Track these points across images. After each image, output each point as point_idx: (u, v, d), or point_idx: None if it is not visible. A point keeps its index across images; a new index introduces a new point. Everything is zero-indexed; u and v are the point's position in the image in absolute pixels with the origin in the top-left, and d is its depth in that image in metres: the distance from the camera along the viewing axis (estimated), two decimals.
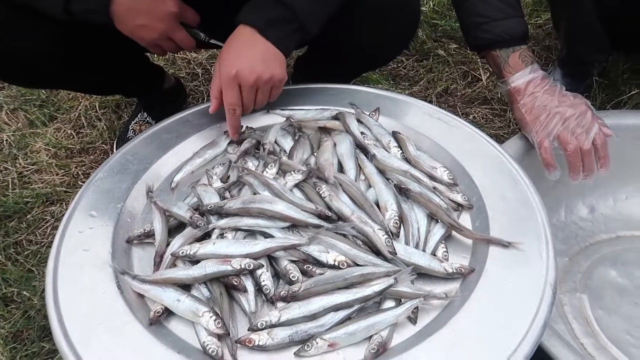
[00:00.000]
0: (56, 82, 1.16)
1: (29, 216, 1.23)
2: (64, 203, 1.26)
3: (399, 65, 1.62)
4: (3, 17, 0.89)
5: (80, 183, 1.29)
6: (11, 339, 0.99)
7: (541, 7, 1.77)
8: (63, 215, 1.19)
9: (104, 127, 1.46)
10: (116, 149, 1.36)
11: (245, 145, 0.86)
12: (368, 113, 0.95)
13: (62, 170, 1.33)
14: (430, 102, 1.45)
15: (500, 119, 1.43)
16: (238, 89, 0.84)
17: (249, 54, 0.84)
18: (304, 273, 0.67)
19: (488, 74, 1.54)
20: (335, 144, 0.84)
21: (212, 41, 0.98)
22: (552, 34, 1.67)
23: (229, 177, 0.84)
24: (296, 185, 0.76)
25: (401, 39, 1.13)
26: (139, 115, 1.40)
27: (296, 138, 0.89)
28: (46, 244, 1.17)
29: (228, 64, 0.84)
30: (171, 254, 0.70)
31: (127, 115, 1.49)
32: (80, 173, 1.33)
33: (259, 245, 0.68)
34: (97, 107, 1.51)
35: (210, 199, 0.75)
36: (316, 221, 0.69)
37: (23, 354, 0.96)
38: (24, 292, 1.04)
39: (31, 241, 1.18)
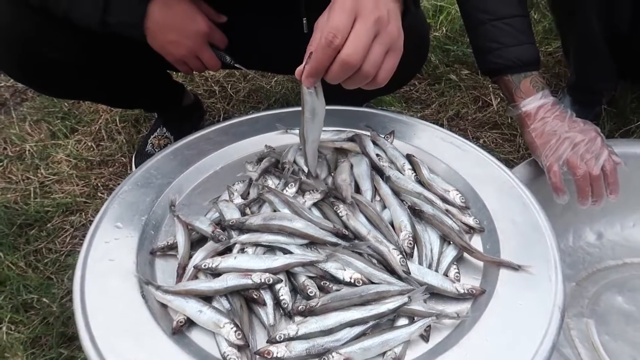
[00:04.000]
0: (82, 93, 1.21)
1: (49, 225, 1.27)
2: (83, 213, 1.30)
3: (412, 88, 1.66)
4: (39, 28, 0.94)
5: (99, 194, 1.33)
6: (30, 344, 1.02)
7: (551, 35, 1.81)
8: (82, 224, 1.26)
9: (124, 140, 1.50)
10: (135, 162, 1.41)
11: (265, 163, 0.90)
12: (383, 136, 0.98)
13: (82, 181, 1.37)
14: (442, 125, 1.49)
15: (510, 143, 1.47)
16: (352, 19, 0.62)
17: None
18: (321, 289, 0.70)
19: (499, 100, 1.58)
20: (352, 165, 0.87)
21: (237, 65, 1.02)
22: (562, 62, 1.71)
23: (248, 193, 0.88)
24: (314, 204, 0.79)
25: (410, 68, 1.16)
26: (157, 130, 1.44)
27: None
28: (65, 252, 1.21)
29: None
30: (193, 267, 0.73)
31: (146, 130, 1.54)
32: (99, 184, 1.37)
33: (279, 260, 0.71)
34: (117, 121, 1.56)
35: (232, 214, 0.78)
36: (334, 239, 0.72)
37: (41, 359, 0.99)
38: (44, 299, 1.07)
39: (51, 249, 1.22)
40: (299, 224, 0.73)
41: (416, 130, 1.03)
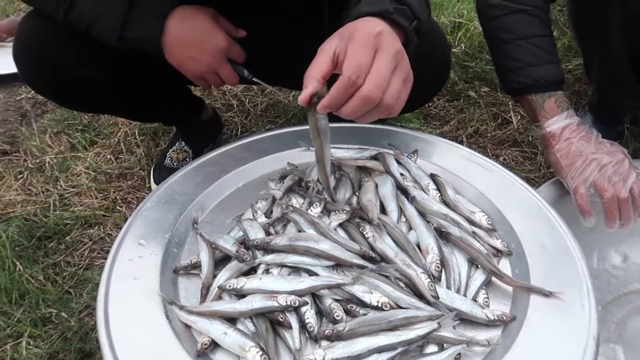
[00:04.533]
0: (103, 107, 1.22)
1: (67, 238, 1.27)
2: (101, 226, 1.30)
3: (430, 104, 1.65)
4: (65, 44, 0.95)
5: (118, 208, 1.34)
6: (48, 359, 1.01)
7: (571, 52, 1.80)
8: (101, 238, 1.26)
9: (142, 153, 1.51)
10: (153, 176, 1.41)
11: (289, 182, 0.89)
12: (406, 154, 0.97)
13: (101, 194, 1.38)
14: (461, 142, 1.48)
15: (530, 162, 1.45)
16: (373, 55, 0.62)
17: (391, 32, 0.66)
18: (348, 312, 0.68)
19: (519, 117, 1.56)
20: (376, 185, 0.86)
21: (255, 79, 1.02)
22: (582, 79, 1.70)
23: (272, 212, 0.87)
24: (340, 225, 0.78)
25: (432, 87, 1.16)
26: (176, 144, 1.44)
27: (337, 177, 0.91)
28: (83, 266, 1.21)
29: (363, 27, 0.64)
30: (218, 287, 0.72)
31: (165, 143, 1.54)
32: (118, 198, 1.37)
33: (305, 282, 0.70)
34: (136, 134, 1.57)
35: (257, 234, 0.77)
36: (360, 262, 0.71)
37: None
38: (62, 314, 1.07)
39: (69, 263, 1.21)
40: (325, 246, 0.72)
41: (440, 149, 1.02)
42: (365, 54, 0.62)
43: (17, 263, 1.16)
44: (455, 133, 1.55)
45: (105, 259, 1.20)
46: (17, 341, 1.03)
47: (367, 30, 0.63)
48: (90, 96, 1.07)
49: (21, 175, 1.43)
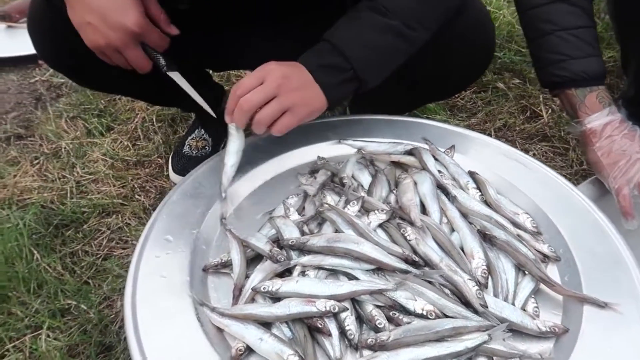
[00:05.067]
0: (119, 87, 1.19)
1: (85, 226, 1.24)
2: (120, 215, 1.26)
3: (457, 96, 1.59)
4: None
5: (137, 197, 1.30)
6: (67, 351, 0.99)
7: (602, 43, 1.73)
8: (119, 227, 1.23)
9: (160, 140, 1.47)
10: (172, 164, 1.37)
11: (322, 177, 0.85)
12: (443, 150, 0.93)
13: (119, 182, 1.34)
14: (489, 136, 1.42)
15: (562, 157, 1.40)
16: (257, 82, 0.80)
17: (296, 76, 0.82)
18: (390, 320, 0.65)
19: (550, 110, 1.51)
20: (415, 183, 0.82)
21: (170, 73, 0.92)
22: (614, 72, 1.63)
23: (303, 208, 0.83)
24: (379, 225, 0.74)
25: (475, 69, 1.10)
26: (195, 132, 1.40)
27: (372, 173, 0.87)
28: (101, 256, 1.18)
29: (275, 67, 0.82)
30: (252, 289, 0.68)
31: (183, 130, 1.50)
32: (136, 186, 1.34)
33: (344, 287, 0.66)
34: (153, 120, 1.52)
35: (291, 232, 0.73)
36: (404, 266, 0.67)
37: None
38: (82, 305, 1.04)
39: (87, 252, 1.18)
40: (366, 248, 0.68)
41: (476, 145, 0.97)
42: (250, 80, 0.81)
43: (35, 252, 1.13)
44: (482, 126, 1.50)
45: (124, 249, 1.19)
46: (36, 333, 1.00)
47: (270, 68, 0.82)
48: (105, 75, 1.03)
49: (37, 161, 1.40)
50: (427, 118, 1.41)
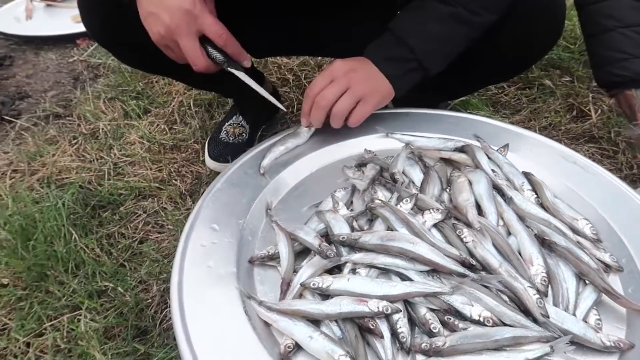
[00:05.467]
0: (164, 69, 1.17)
1: (121, 208, 1.23)
2: (155, 199, 1.26)
3: (500, 91, 1.54)
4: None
5: (173, 181, 1.29)
6: (102, 333, 0.99)
7: None
8: (155, 211, 1.22)
9: (197, 125, 1.45)
10: (208, 149, 1.36)
11: (371, 172, 0.82)
12: (496, 148, 0.89)
13: (155, 166, 1.34)
14: None
15: (610, 160, 1.34)
16: (328, 80, 0.85)
17: (363, 69, 0.87)
18: (444, 324, 0.62)
19: (599, 111, 1.44)
20: (470, 182, 0.78)
21: (230, 69, 0.88)
22: None
23: (351, 202, 0.81)
24: (434, 225, 0.71)
25: (544, 44, 1.04)
26: (233, 118, 1.38)
27: (423, 170, 0.84)
28: (137, 239, 1.17)
29: (337, 62, 0.87)
30: (300, 284, 0.66)
31: (219, 115, 1.49)
32: (172, 170, 1.33)
33: (398, 287, 0.63)
34: (190, 105, 1.51)
35: (341, 228, 0.71)
36: (461, 269, 0.64)
37: (115, 351, 0.96)
38: (118, 288, 1.04)
39: (123, 235, 1.18)
40: (422, 249, 0.65)
41: (529, 144, 0.93)
42: (321, 80, 0.87)
43: (73, 232, 1.14)
44: (527, 124, 1.44)
45: (160, 233, 1.19)
46: (74, 313, 1.00)
47: (336, 65, 0.87)
48: (150, 54, 1.02)
49: (75, 141, 1.40)
50: (469, 113, 1.36)
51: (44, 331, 0.98)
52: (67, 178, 1.29)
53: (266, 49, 1.25)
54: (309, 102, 0.87)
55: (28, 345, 0.96)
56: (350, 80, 0.84)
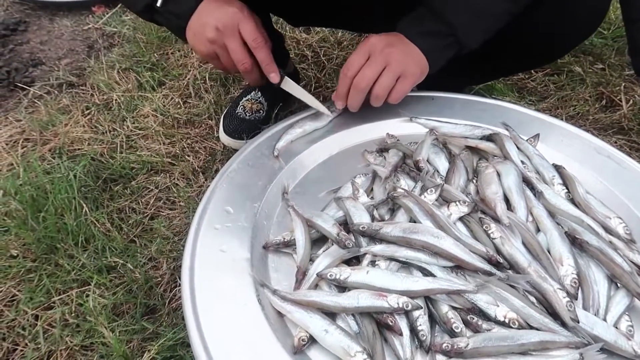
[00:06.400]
0: None
1: (133, 182, 1.21)
2: (168, 174, 1.23)
3: (527, 77, 1.48)
4: None
5: (186, 157, 1.26)
6: (111, 310, 0.98)
7: None
8: (167, 187, 1.19)
9: (212, 100, 1.41)
10: (223, 124, 1.32)
11: (394, 158, 0.78)
12: (526, 139, 0.85)
13: (168, 140, 1.31)
14: None
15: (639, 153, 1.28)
16: (365, 59, 0.81)
17: (399, 44, 0.83)
18: (466, 324, 0.59)
19: (631, 101, 1.38)
20: (498, 174, 0.74)
21: (283, 85, 0.90)
22: None
23: (372, 189, 0.77)
24: (459, 219, 0.68)
25: (587, 27, 0.98)
26: (252, 93, 1.34)
27: (449, 159, 0.80)
28: (148, 215, 1.15)
29: (377, 40, 0.82)
30: (317, 274, 0.63)
31: (235, 91, 1.45)
32: (185, 146, 1.30)
33: (420, 283, 0.60)
34: (206, 78, 1.47)
35: (361, 217, 0.68)
36: (487, 267, 0.61)
37: (122, 328, 0.94)
38: (128, 264, 1.02)
39: (134, 209, 1.16)
40: (447, 243, 0.62)
41: (564, 137, 0.88)
42: (356, 56, 0.83)
43: (84, 205, 1.12)
44: (553, 112, 1.39)
45: (172, 209, 1.17)
46: (83, 288, 0.99)
47: (372, 42, 0.83)
48: None
49: (88, 111, 1.37)
50: (494, 98, 1.31)
51: (52, 304, 0.97)
52: (79, 149, 1.26)
53: (304, 17, 1.20)
54: (346, 82, 0.83)
55: (37, 318, 0.94)
56: (388, 57, 0.80)
